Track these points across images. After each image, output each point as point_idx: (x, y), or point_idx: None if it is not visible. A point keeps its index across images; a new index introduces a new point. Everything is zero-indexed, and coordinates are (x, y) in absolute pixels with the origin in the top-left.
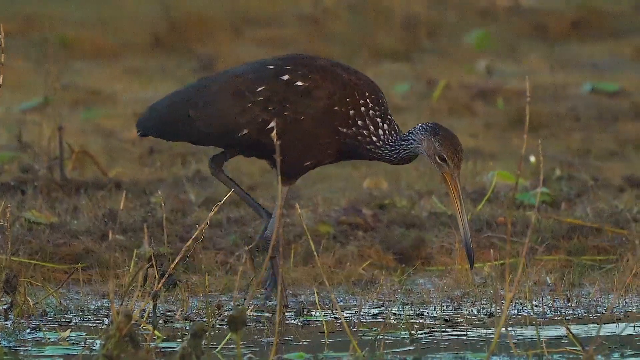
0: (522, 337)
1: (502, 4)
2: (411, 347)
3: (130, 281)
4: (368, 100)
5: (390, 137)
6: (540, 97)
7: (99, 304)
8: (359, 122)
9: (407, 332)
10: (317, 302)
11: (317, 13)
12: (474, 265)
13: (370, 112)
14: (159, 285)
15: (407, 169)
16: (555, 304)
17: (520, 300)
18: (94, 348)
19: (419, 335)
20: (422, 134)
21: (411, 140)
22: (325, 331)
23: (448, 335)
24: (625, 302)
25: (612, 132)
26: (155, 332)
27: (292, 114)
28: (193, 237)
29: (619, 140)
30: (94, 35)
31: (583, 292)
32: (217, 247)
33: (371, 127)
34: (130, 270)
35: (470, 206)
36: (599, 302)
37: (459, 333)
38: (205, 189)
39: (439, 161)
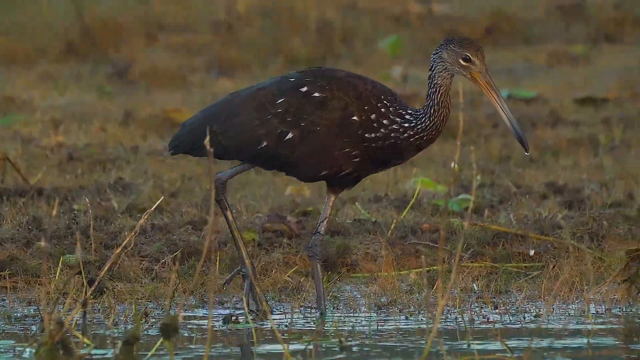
0: (452, 344)
1: (415, 11)
2: (342, 355)
3: (59, 289)
4: (385, 102)
5: (417, 113)
6: (455, 103)
7: (26, 311)
8: (385, 122)
9: (337, 340)
10: (246, 310)
11: (230, 19)
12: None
13: (391, 109)
14: (89, 293)
15: None
16: (482, 310)
17: (448, 308)
18: (23, 356)
19: (348, 344)
20: (438, 55)
21: (430, 70)
22: (255, 339)
23: (378, 343)
24: (553, 309)
25: (531, 139)
26: (85, 339)
27: (308, 124)
28: (122, 244)
29: (539, 147)
30: (8, 42)
31: (510, 299)
32: (142, 254)
33: (398, 119)
34: (57, 278)
35: (394, 213)
36: (527, 309)
37: (390, 340)
38: (127, 196)
39: (463, 63)
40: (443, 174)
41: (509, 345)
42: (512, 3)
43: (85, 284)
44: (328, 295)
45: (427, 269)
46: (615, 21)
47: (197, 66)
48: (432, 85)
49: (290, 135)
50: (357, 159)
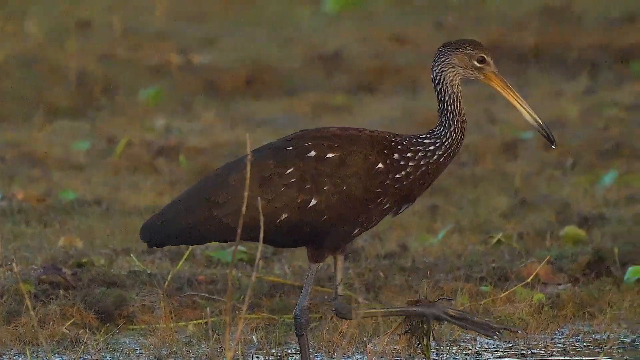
0: None
1: (175, 62)
2: None
3: None
4: (395, 139)
5: (437, 133)
6: (222, 154)
7: None
8: (409, 155)
9: None
10: None
11: None
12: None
13: (405, 142)
14: None
15: (100, 228)
16: None
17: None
18: None
19: None
20: (446, 62)
21: (440, 82)
22: None
23: None
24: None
25: None
26: None
27: (332, 187)
28: None
29: None
30: None
31: (290, 351)
32: None
33: (420, 147)
34: None
35: (169, 265)
36: None
37: None
38: None
39: (478, 65)
40: None
41: None
42: (271, 53)
43: None
44: (106, 348)
45: (205, 320)
46: (374, 71)
47: None
48: (446, 96)
49: (314, 202)
50: (387, 205)
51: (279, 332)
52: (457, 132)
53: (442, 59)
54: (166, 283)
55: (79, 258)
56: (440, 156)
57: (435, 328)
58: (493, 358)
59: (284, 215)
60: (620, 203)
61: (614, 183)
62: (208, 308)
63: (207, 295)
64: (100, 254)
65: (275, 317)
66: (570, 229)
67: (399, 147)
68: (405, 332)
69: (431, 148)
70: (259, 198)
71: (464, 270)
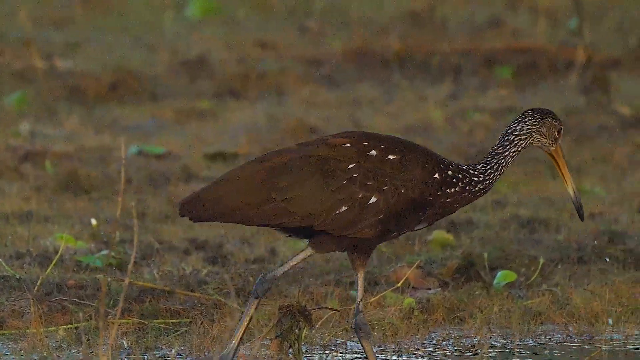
0: None
1: (39, 67)
2: None
3: None
4: (446, 160)
5: (481, 169)
6: (88, 160)
7: None
8: (460, 176)
9: None
10: None
11: None
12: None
13: (452, 164)
14: None
15: None
16: None
17: None
18: None
19: None
20: (535, 128)
21: (517, 137)
22: None
23: None
24: None
25: (164, 195)
26: None
27: (393, 187)
28: None
29: (172, 203)
30: None
31: (161, 355)
32: None
33: (466, 175)
34: None
35: (38, 270)
36: None
37: None
38: None
39: (557, 136)
40: (80, 230)
41: None
42: (135, 59)
43: None
44: None
45: (76, 325)
46: (238, 76)
47: None
48: (512, 147)
49: (373, 200)
50: (424, 217)
51: (150, 337)
52: (498, 176)
53: (533, 123)
54: (36, 288)
55: None
56: (479, 190)
57: (306, 332)
58: None
59: (344, 208)
60: (487, 208)
61: None
62: (80, 313)
63: (76, 300)
64: None
65: (145, 322)
66: (439, 234)
67: (451, 166)
68: (277, 336)
69: (475, 179)
70: (323, 188)
71: (333, 275)
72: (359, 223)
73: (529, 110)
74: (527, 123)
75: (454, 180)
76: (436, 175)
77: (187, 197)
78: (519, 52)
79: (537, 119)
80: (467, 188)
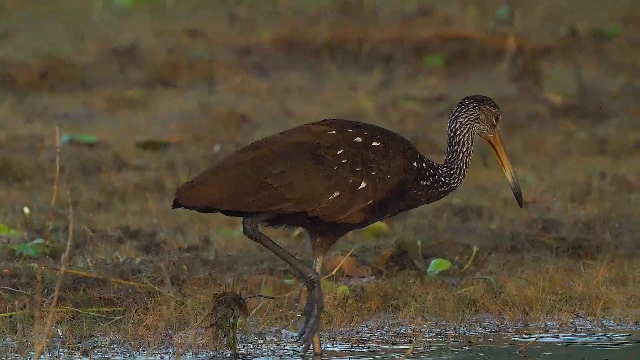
0: None
1: None
2: None
3: None
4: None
5: (447, 170)
6: (19, 148)
7: None
8: (432, 171)
9: None
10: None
11: None
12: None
13: (420, 153)
14: None
15: None
16: (71, 356)
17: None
18: None
19: None
20: (474, 116)
21: (462, 134)
22: None
23: None
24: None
25: (96, 183)
26: None
27: (379, 173)
28: None
29: (105, 191)
30: None
31: (95, 344)
32: None
33: (439, 171)
34: None
35: None
36: (113, 353)
37: None
38: None
39: (495, 123)
40: (13, 218)
41: None
42: (65, 47)
43: None
44: None
45: (10, 314)
46: (169, 65)
47: None
48: (463, 148)
49: (363, 185)
50: (402, 206)
51: (84, 325)
52: (460, 180)
53: (470, 113)
54: None
55: None
56: (443, 191)
57: (241, 321)
58: (297, 351)
59: (336, 194)
60: None
61: None
62: (15, 302)
63: (11, 288)
64: None
65: (79, 310)
66: None
67: (424, 159)
68: (212, 325)
69: (442, 180)
70: (316, 174)
71: (267, 264)
72: (350, 208)
73: (465, 99)
74: (464, 115)
75: (427, 174)
76: (415, 164)
77: (182, 186)
78: (449, 40)
79: (475, 107)
80: (435, 185)
